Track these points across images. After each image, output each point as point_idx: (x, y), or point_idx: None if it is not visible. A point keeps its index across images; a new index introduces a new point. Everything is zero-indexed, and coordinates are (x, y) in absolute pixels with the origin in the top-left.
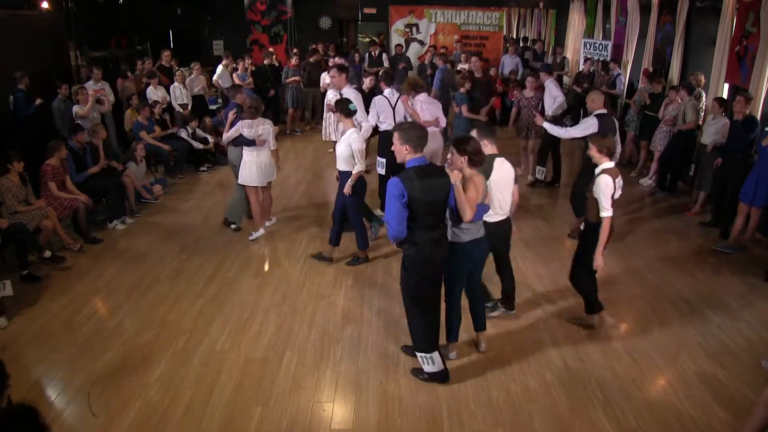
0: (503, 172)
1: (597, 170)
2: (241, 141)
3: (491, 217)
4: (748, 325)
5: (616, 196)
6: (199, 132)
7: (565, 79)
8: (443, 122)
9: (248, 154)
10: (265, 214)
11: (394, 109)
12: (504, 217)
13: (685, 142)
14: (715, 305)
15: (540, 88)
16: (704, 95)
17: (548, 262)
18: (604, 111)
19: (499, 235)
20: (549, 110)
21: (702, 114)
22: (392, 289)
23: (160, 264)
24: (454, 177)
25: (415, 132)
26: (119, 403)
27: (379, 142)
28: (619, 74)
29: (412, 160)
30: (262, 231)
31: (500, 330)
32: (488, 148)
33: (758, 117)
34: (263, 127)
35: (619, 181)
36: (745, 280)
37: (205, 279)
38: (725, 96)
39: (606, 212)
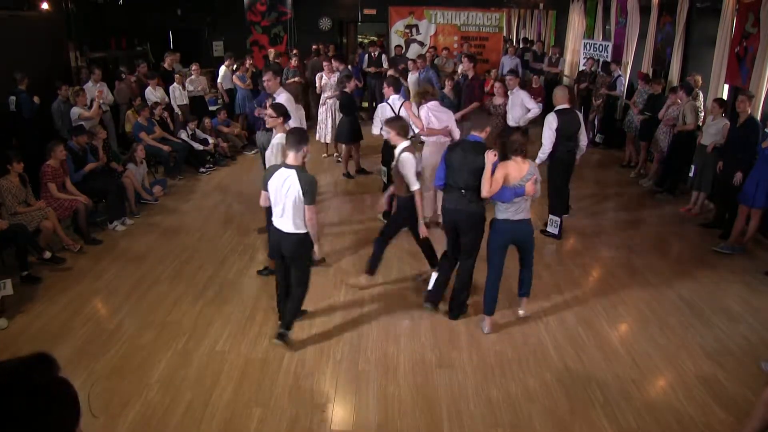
0: (280, 182)
1: (397, 150)
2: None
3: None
4: (748, 325)
5: (418, 169)
6: (198, 133)
7: (565, 80)
8: (456, 133)
9: (280, 139)
10: None
11: (397, 115)
12: (280, 229)
13: (685, 142)
14: (715, 306)
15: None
16: (701, 96)
17: (548, 263)
18: (566, 106)
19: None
20: (516, 120)
21: (701, 115)
22: (392, 289)
23: (160, 265)
24: (489, 157)
25: (475, 115)
26: (119, 403)
27: (383, 150)
28: (619, 75)
29: (471, 135)
30: None
31: (500, 330)
32: (289, 157)
33: (758, 117)
34: (298, 113)
35: (417, 156)
36: (745, 281)
37: (205, 280)
38: (725, 97)
39: (415, 185)
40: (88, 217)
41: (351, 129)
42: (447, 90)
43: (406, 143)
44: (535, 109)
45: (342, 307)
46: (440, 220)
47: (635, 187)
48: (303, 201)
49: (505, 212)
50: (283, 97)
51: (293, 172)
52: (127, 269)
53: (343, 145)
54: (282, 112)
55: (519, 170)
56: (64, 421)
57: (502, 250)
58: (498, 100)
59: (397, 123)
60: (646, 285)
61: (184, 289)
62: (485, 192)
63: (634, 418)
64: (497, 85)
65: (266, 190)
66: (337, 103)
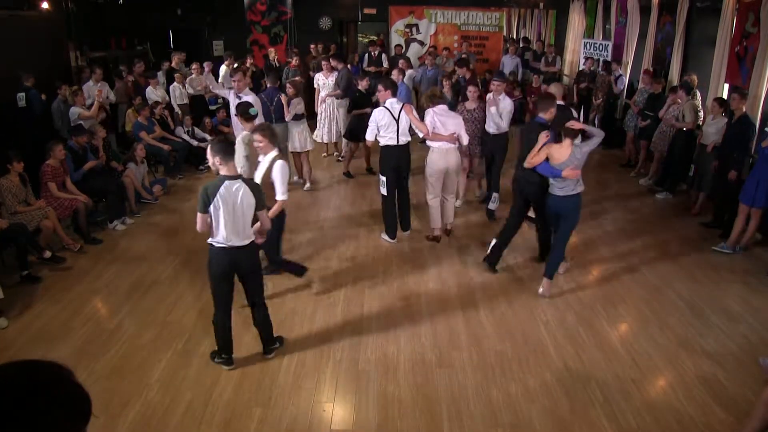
0: (231, 197)
1: (268, 159)
2: (297, 116)
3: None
4: (748, 325)
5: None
6: (198, 132)
7: (565, 79)
8: (465, 139)
9: (296, 126)
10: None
11: (397, 120)
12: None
13: (685, 142)
14: (715, 306)
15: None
16: (698, 95)
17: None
18: (560, 102)
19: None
20: (499, 128)
21: (701, 114)
22: (392, 289)
23: (160, 264)
24: (542, 136)
25: (541, 100)
26: (119, 403)
27: (381, 158)
28: (620, 75)
29: (537, 117)
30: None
31: (500, 329)
32: (227, 169)
33: (758, 117)
34: (299, 105)
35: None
36: (745, 281)
37: (205, 279)
38: (725, 96)
39: (282, 195)
40: (88, 217)
41: (359, 127)
42: (446, 90)
43: (275, 152)
44: (503, 123)
45: (342, 306)
46: (449, 227)
47: (635, 187)
48: (256, 208)
49: (554, 189)
50: (250, 98)
51: (240, 182)
52: (128, 269)
53: (347, 144)
54: (241, 111)
55: (561, 154)
56: (65, 424)
57: (554, 220)
58: (471, 105)
59: (269, 131)
60: (646, 284)
61: (185, 288)
62: (526, 162)
63: (634, 417)
64: (471, 89)
65: (206, 212)
66: (335, 102)
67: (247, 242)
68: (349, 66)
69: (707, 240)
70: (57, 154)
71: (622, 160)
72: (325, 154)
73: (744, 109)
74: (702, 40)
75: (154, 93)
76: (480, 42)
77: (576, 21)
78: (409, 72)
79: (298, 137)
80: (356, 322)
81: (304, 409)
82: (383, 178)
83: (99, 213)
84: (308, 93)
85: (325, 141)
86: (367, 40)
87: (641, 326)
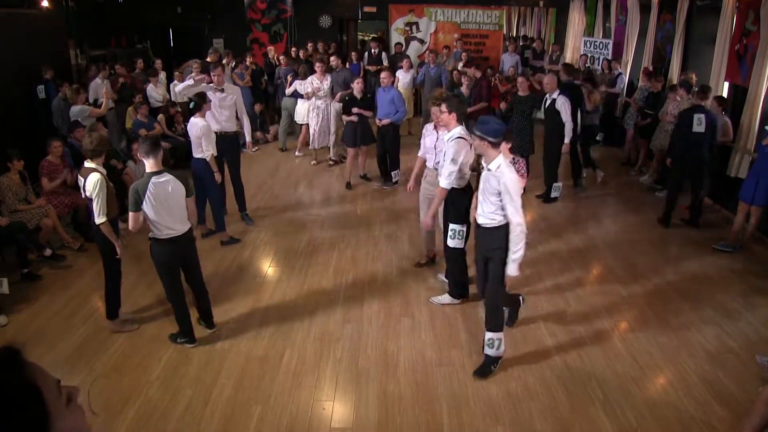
0: (166, 191)
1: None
2: (296, 94)
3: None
4: (748, 323)
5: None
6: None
7: (563, 77)
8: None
9: (301, 101)
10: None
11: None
12: (179, 233)
13: None
14: (715, 304)
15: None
16: None
17: (549, 261)
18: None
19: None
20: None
21: None
22: (392, 286)
23: None
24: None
25: (567, 66)
26: (119, 401)
27: (452, 201)
28: (620, 73)
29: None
30: (300, 154)
31: None
32: (154, 164)
33: (758, 116)
34: (309, 85)
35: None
36: (745, 279)
37: (205, 277)
38: (725, 95)
39: (100, 218)
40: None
41: (354, 133)
42: (463, 89)
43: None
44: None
45: (342, 304)
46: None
47: (635, 185)
48: (187, 195)
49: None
50: (229, 96)
51: (168, 176)
52: (127, 267)
53: (348, 151)
54: (196, 100)
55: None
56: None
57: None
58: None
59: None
60: (646, 283)
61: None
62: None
63: (634, 416)
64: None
65: (138, 210)
66: (330, 108)
67: (188, 227)
68: (347, 65)
69: (708, 239)
70: (53, 150)
71: (622, 159)
72: (314, 162)
73: (708, 105)
74: (702, 38)
75: (154, 91)
76: (480, 40)
77: (576, 19)
78: (402, 78)
79: (300, 110)
80: (356, 320)
81: (303, 407)
82: (458, 228)
83: None
84: None
85: (316, 147)
86: (368, 38)
87: (641, 324)
